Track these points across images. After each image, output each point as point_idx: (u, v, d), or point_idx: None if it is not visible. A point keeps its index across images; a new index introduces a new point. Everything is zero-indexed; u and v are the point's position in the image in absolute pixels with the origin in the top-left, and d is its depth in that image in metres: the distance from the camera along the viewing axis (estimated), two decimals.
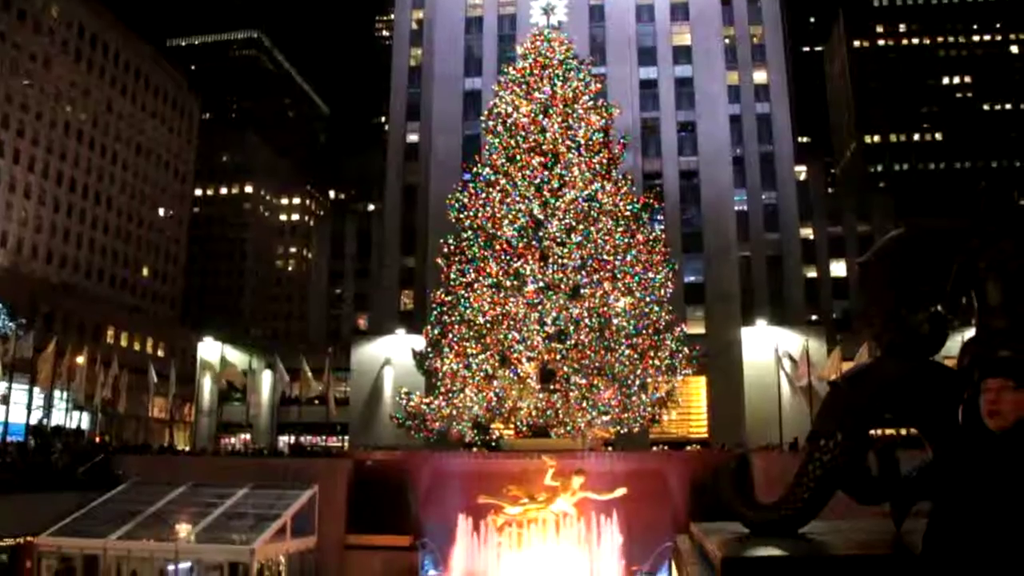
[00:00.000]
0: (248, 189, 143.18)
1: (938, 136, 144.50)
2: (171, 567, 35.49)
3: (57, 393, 56.85)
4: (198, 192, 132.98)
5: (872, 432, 4.49)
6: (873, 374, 4.50)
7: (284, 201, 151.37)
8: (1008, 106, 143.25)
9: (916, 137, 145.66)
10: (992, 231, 4.54)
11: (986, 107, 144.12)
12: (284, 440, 63.53)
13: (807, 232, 73.09)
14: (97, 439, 60.14)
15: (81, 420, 66.29)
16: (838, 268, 73.50)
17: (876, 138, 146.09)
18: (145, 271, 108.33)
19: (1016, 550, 3.07)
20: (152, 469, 43.73)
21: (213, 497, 39.69)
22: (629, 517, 35.73)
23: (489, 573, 34.37)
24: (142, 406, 58.38)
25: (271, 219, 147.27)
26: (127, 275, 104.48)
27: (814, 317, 69.07)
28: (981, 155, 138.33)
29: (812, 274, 72.93)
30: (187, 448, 61.86)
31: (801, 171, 76.88)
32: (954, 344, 4.53)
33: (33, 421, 55.39)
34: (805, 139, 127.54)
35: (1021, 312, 4.27)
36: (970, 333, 4.51)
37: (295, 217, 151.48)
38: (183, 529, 36.98)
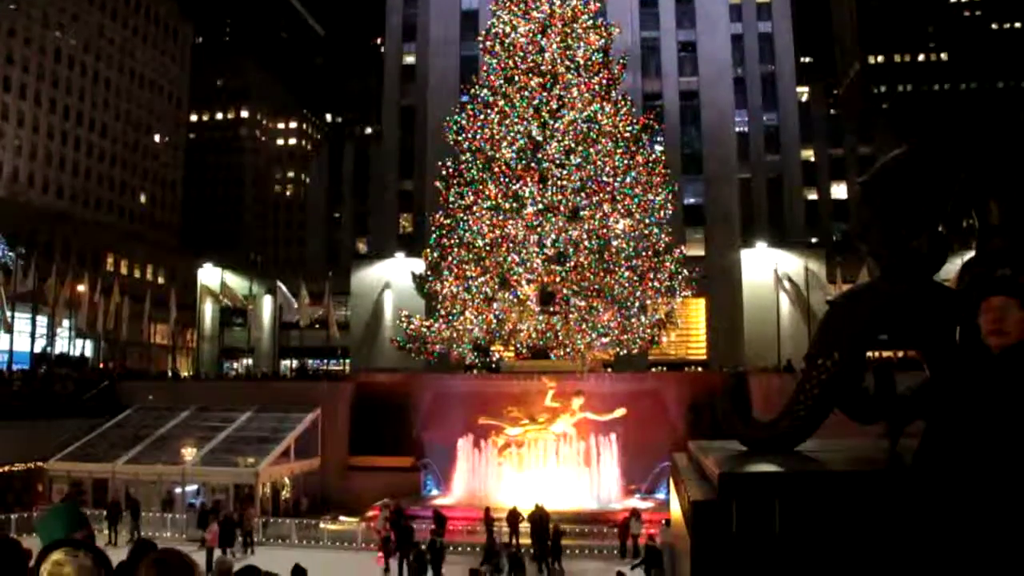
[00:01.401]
0: (244, 114, 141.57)
1: (943, 56, 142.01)
2: (178, 490, 36.15)
3: (60, 321, 57.06)
4: (193, 118, 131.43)
5: (869, 354, 4.51)
6: (872, 294, 4.50)
7: (281, 126, 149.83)
8: (1017, 25, 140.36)
9: (921, 57, 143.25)
10: (995, 151, 4.49)
11: (994, 26, 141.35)
12: (286, 364, 64.05)
13: (808, 154, 72.58)
14: (101, 366, 60.64)
15: (85, 348, 66.72)
16: (839, 190, 73.16)
17: (880, 58, 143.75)
18: (143, 198, 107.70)
19: (1010, 464, 3.10)
20: (157, 395, 44.22)
21: (217, 421, 40.24)
22: (628, 437, 36.25)
23: (490, 493, 34.99)
24: (144, 333, 58.64)
25: (268, 144, 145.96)
26: (125, 202, 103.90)
27: (814, 239, 68.98)
28: (987, 76, 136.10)
29: (813, 196, 72.64)
30: (190, 374, 62.36)
31: (803, 92, 76.08)
32: (954, 267, 4.51)
33: (37, 350, 55.74)
34: (807, 59, 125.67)
35: (1021, 232, 4.25)
36: (970, 255, 4.50)
37: (292, 142, 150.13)
38: (189, 453, 37.57)
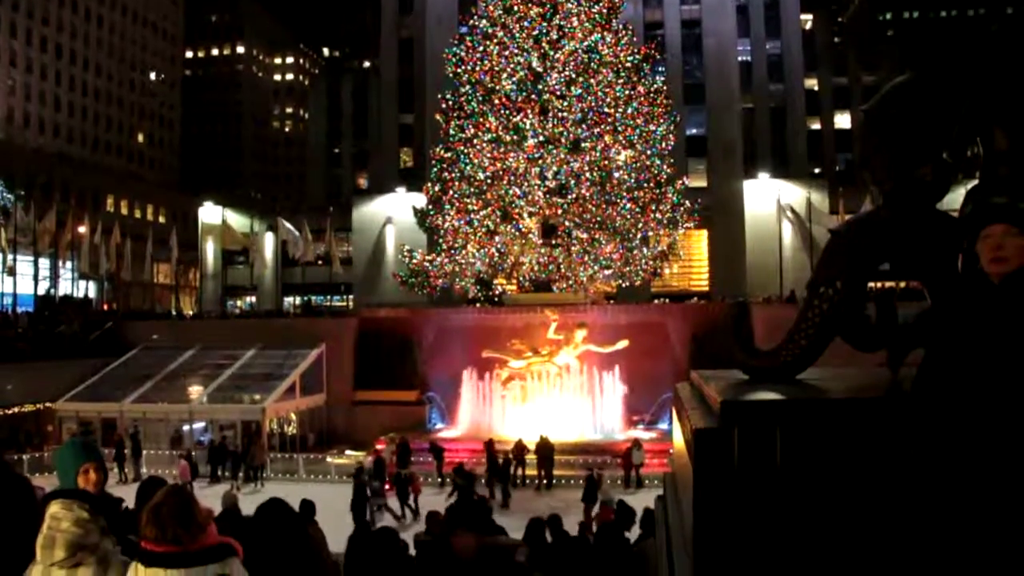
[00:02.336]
0: (240, 49, 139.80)
1: None
2: (186, 427, 36.58)
3: (62, 263, 57.18)
4: (188, 55, 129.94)
5: (872, 284, 4.51)
6: (874, 222, 4.48)
7: (277, 61, 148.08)
8: None
9: None
10: (1001, 77, 4.44)
11: None
12: (289, 301, 64.27)
13: (811, 83, 71.70)
14: (105, 307, 60.87)
15: (88, 289, 66.90)
16: (842, 120, 72.42)
17: None
18: (140, 137, 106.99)
19: (1009, 390, 3.12)
20: (161, 334, 44.46)
21: (222, 359, 40.51)
22: (631, 369, 36.50)
23: (494, 425, 35.38)
24: (147, 273, 58.76)
25: (265, 80, 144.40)
26: (123, 142, 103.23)
27: (817, 170, 68.55)
28: (995, 1, 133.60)
29: (816, 126, 71.95)
30: (193, 312, 62.64)
31: (807, 20, 74.76)
32: (958, 196, 4.49)
33: (41, 292, 55.89)
34: None
35: None
36: (975, 184, 4.47)
37: (289, 77, 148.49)
38: (195, 390, 37.91)
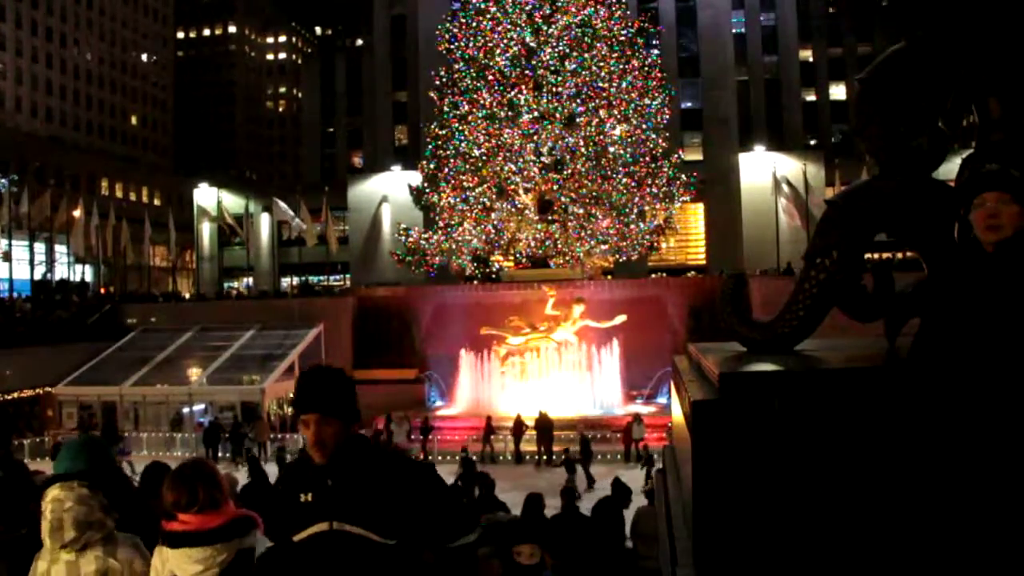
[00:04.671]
0: (232, 29, 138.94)
1: None
2: (186, 409, 36.64)
3: (58, 247, 57.02)
4: (180, 35, 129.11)
5: (869, 255, 4.51)
6: (870, 191, 4.48)
7: (269, 40, 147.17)
8: None
9: None
10: (996, 45, 4.42)
11: None
12: (286, 281, 64.23)
13: (806, 54, 71.43)
14: (102, 290, 60.79)
15: (84, 273, 66.79)
16: (838, 91, 72.17)
17: None
18: (134, 119, 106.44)
19: (1004, 357, 3.13)
20: (159, 317, 44.45)
21: (221, 340, 40.54)
22: (629, 344, 36.56)
23: (493, 402, 35.47)
24: (144, 255, 58.65)
25: (257, 59, 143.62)
26: (116, 124, 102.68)
27: (813, 141, 68.41)
28: None
29: (811, 98, 71.73)
30: (191, 294, 62.58)
31: None
32: (953, 166, 4.48)
33: (37, 277, 55.80)
34: None
35: (1019, 126, 4.22)
36: (970, 152, 4.46)
37: (282, 56, 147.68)
38: (195, 372, 37.97)
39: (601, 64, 43.29)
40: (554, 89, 42.84)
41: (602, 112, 42.96)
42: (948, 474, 3.08)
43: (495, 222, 43.18)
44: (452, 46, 45.08)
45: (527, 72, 43.27)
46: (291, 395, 38.76)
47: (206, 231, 66.12)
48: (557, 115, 42.81)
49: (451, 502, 3.69)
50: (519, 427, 30.46)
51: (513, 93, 42.98)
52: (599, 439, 30.37)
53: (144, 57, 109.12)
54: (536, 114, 42.79)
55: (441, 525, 3.52)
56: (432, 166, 44.91)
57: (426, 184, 45.54)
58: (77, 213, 53.30)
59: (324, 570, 3.35)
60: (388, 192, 58.84)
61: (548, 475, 27.07)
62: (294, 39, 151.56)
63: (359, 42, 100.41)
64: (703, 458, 3.28)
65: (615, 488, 11.87)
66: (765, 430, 3.19)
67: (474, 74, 44.05)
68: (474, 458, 22.76)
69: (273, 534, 3.65)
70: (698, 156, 57.37)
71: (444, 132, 44.39)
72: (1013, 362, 3.11)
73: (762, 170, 56.02)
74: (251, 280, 66.03)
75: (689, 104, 60.23)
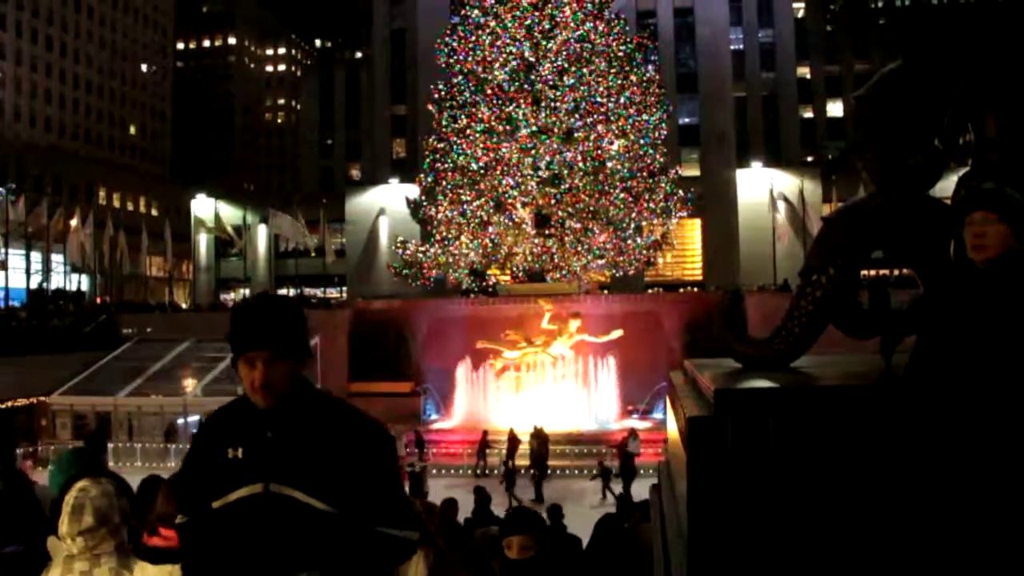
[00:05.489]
0: (231, 40, 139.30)
1: None
2: (180, 420, 36.49)
3: (55, 256, 56.95)
4: (180, 46, 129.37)
5: (865, 272, 4.52)
6: (866, 209, 4.50)
7: (269, 52, 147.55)
8: None
9: None
10: (992, 63, 4.45)
11: None
12: (283, 293, 64.16)
13: (804, 71, 71.66)
14: (98, 300, 60.71)
15: (80, 282, 66.71)
16: (835, 108, 72.41)
17: None
18: (132, 129, 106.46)
19: (991, 376, 3.14)
20: (154, 327, 44.36)
21: (216, 351, 40.38)
22: (625, 359, 36.51)
23: (489, 416, 35.38)
24: (140, 265, 58.59)
25: (256, 71, 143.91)
26: (114, 134, 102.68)
27: (810, 158, 68.59)
28: None
29: (808, 114, 71.94)
30: (187, 305, 62.48)
31: (799, 8, 74.64)
32: (950, 184, 4.50)
33: (33, 286, 55.71)
34: None
35: (1017, 145, 4.24)
36: (966, 170, 4.49)
37: (281, 68, 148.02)
38: (190, 383, 37.85)
39: (599, 79, 43.42)
40: (552, 104, 42.95)
41: (600, 127, 43.05)
42: (944, 491, 3.08)
43: (492, 236, 43.20)
44: (451, 60, 45.20)
45: (526, 86, 43.39)
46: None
47: (203, 241, 66.09)
48: (555, 129, 42.90)
49: (398, 480, 3.08)
50: (513, 441, 30.36)
51: (511, 107, 43.07)
52: (593, 454, 30.28)
53: (143, 67, 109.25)
54: (534, 128, 42.88)
55: (380, 501, 2.89)
56: (430, 179, 44.97)
57: (424, 197, 45.59)
58: (74, 222, 53.29)
59: (252, 542, 2.78)
60: (386, 205, 58.88)
61: (544, 490, 27.00)
62: (293, 51, 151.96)
63: (358, 55, 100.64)
64: (698, 474, 3.28)
65: (619, 504, 11.82)
66: (760, 447, 3.19)
67: (473, 88, 44.17)
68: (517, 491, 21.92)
69: (186, 503, 3.02)
70: (695, 172, 57.50)
71: (442, 145, 44.47)
72: (1002, 381, 3.12)
73: (759, 186, 56.13)
74: (248, 291, 65.94)
75: (687, 120, 60.41)
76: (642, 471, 27.71)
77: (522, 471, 29.68)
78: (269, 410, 2.85)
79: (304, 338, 2.97)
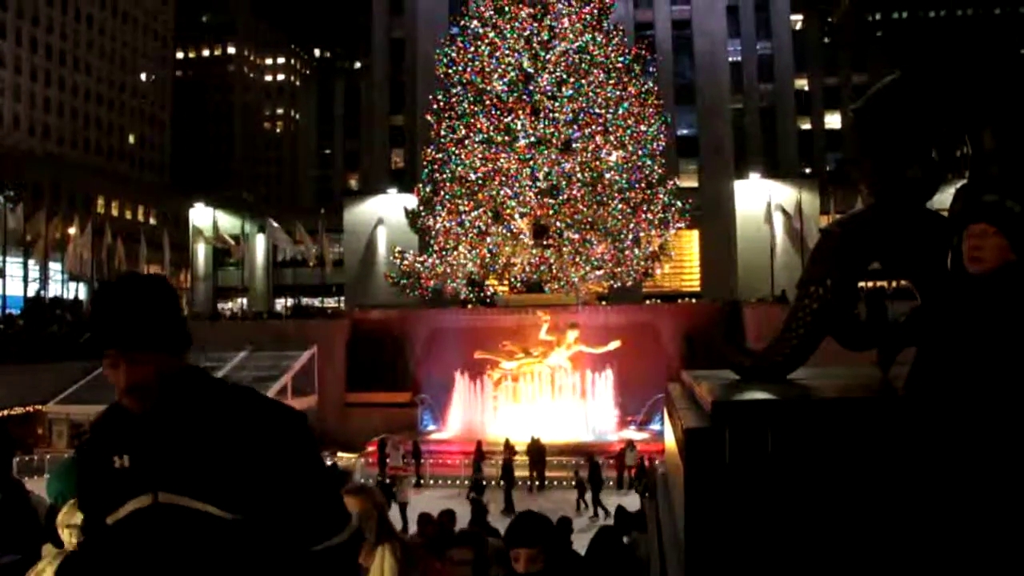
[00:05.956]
0: (231, 50, 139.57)
1: None
2: None
3: (53, 264, 56.89)
4: (180, 55, 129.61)
5: (862, 284, 4.52)
6: (864, 221, 4.49)
7: (268, 61, 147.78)
8: None
9: None
10: (989, 76, 4.45)
11: None
12: (281, 303, 64.14)
13: (802, 83, 71.93)
14: None
15: (78, 290, 66.65)
16: (833, 120, 72.67)
17: None
18: (131, 138, 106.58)
19: (991, 387, 3.14)
20: None
21: (213, 361, 40.27)
22: (623, 370, 36.50)
23: (486, 426, 35.34)
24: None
25: (256, 80, 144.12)
26: (113, 143, 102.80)
27: (808, 170, 68.72)
28: (983, 1, 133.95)
29: (806, 126, 72.16)
30: (185, 314, 62.36)
31: (797, 20, 74.96)
32: (947, 196, 4.50)
33: (30, 294, 55.64)
34: None
35: (1014, 158, 4.24)
36: (964, 183, 4.49)
37: (280, 77, 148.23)
38: None
39: (598, 90, 43.52)
40: (551, 114, 43.03)
41: (598, 138, 43.13)
42: (945, 503, 3.07)
43: (490, 246, 43.21)
44: (450, 70, 45.30)
45: (524, 97, 43.48)
46: None
47: (201, 251, 66.06)
48: (554, 140, 42.98)
49: (321, 478, 2.60)
50: (509, 452, 30.34)
51: (510, 118, 43.15)
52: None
53: (143, 77, 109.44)
54: (533, 139, 42.94)
55: (305, 509, 2.50)
56: (428, 189, 45.01)
57: (422, 207, 45.61)
58: (72, 230, 53.29)
59: (148, 561, 2.44)
60: (384, 215, 58.91)
61: (541, 501, 26.96)
62: (293, 61, 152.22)
63: (357, 65, 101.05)
64: (695, 486, 3.27)
65: (617, 516, 11.75)
66: (758, 459, 3.18)
67: (471, 98, 44.25)
68: (487, 502, 21.91)
69: (86, 514, 2.69)
70: (694, 183, 57.58)
71: (441, 156, 44.52)
72: (1002, 392, 3.11)
73: (757, 198, 56.22)
74: (245, 301, 65.93)
75: (685, 131, 60.53)
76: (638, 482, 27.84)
77: (520, 482, 29.68)
78: (146, 413, 2.48)
79: (176, 323, 2.52)
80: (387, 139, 68.12)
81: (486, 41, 44.38)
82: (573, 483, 26.94)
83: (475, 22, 45.19)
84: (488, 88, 43.86)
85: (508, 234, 43.05)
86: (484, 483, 27.53)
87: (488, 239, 43.20)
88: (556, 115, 43.00)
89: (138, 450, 2.48)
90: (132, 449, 2.48)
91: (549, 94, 43.26)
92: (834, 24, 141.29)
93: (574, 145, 43.08)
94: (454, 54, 45.33)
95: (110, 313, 2.42)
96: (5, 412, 35.67)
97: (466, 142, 43.60)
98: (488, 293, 45.30)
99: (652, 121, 44.73)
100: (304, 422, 2.57)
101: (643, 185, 43.84)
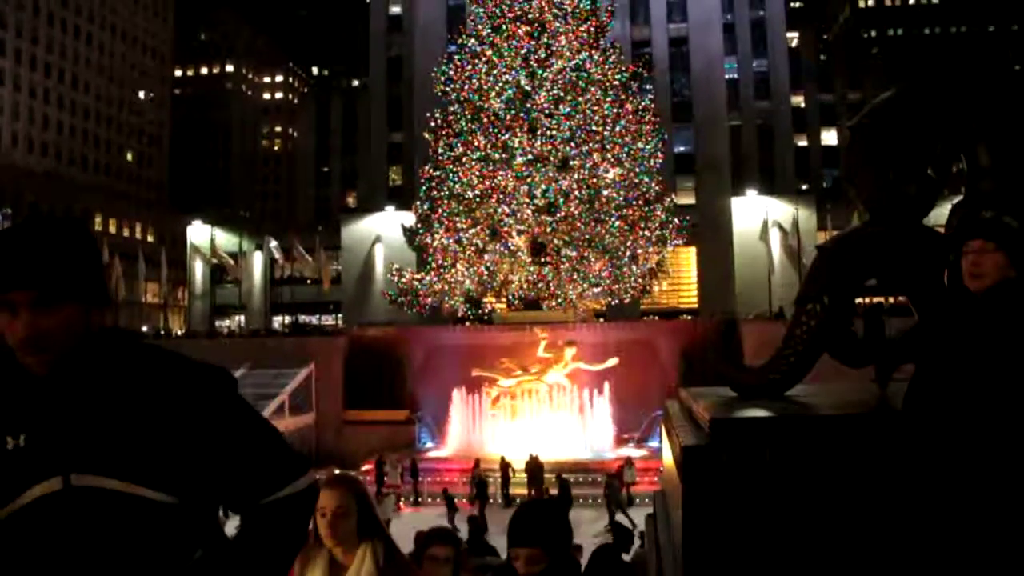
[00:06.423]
0: (229, 68, 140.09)
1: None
2: None
3: None
4: (177, 73, 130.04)
5: (859, 300, 4.53)
6: (860, 238, 4.50)
7: (266, 79, 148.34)
8: None
9: (911, 0, 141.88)
10: (984, 93, 4.48)
11: None
12: (278, 320, 64.09)
13: (798, 100, 72.18)
14: None
15: None
16: (829, 136, 72.90)
17: (870, 2, 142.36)
18: (129, 156, 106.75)
19: (988, 405, 3.13)
20: None
21: None
22: (621, 387, 36.45)
23: (484, 444, 35.26)
24: (135, 292, 58.50)
25: (254, 98, 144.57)
26: (111, 160, 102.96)
27: (804, 186, 68.90)
28: (977, 19, 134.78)
29: (803, 143, 72.38)
30: (182, 331, 62.35)
31: (793, 38, 75.35)
32: (943, 212, 4.51)
33: None
34: (797, 3, 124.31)
35: (1009, 174, 4.26)
36: (959, 199, 4.50)
37: (278, 95, 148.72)
38: None
39: (595, 108, 43.64)
40: (548, 132, 43.12)
41: (596, 155, 43.21)
42: (943, 520, 3.07)
43: (488, 264, 43.21)
44: (448, 88, 45.42)
45: (521, 115, 43.58)
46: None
47: (199, 268, 66.04)
48: (551, 158, 43.04)
49: (263, 430, 2.27)
50: (505, 470, 30.28)
51: (507, 135, 43.24)
52: (590, 482, 30.16)
53: (141, 94, 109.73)
54: (530, 157, 43.02)
55: (251, 467, 2.17)
56: (426, 207, 45.04)
57: (419, 225, 45.65)
58: None
59: (60, 560, 1.98)
60: (382, 232, 58.94)
61: None
62: (291, 79, 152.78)
63: (355, 82, 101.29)
64: (693, 504, 3.26)
65: (616, 533, 11.69)
66: (756, 476, 3.18)
67: (469, 116, 44.35)
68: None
69: None
70: (691, 200, 57.66)
71: (438, 173, 44.57)
72: (1001, 410, 3.11)
73: (754, 214, 56.35)
74: (243, 318, 65.87)
75: (682, 148, 60.68)
76: (637, 500, 27.76)
77: (517, 499, 29.53)
78: (48, 376, 2.04)
79: (97, 273, 2.13)
80: (385, 156, 68.22)
81: (484, 59, 44.53)
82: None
83: (473, 40, 45.36)
84: (486, 106, 43.97)
85: (506, 251, 43.07)
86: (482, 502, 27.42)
87: (486, 256, 43.21)
88: (553, 132, 43.10)
89: (40, 422, 2.01)
90: (31, 422, 2.02)
91: (546, 112, 43.37)
92: (830, 41, 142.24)
93: (571, 162, 43.15)
94: (452, 72, 45.47)
95: (18, 250, 1.99)
96: None
97: (464, 159, 43.67)
98: (486, 310, 45.26)
99: (649, 138, 44.83)
100: (228, 382, 2.22)
101: (640, 202, 43.90)
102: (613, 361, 36.36)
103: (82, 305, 2.05)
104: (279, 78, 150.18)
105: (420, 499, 30.55)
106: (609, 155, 43.50)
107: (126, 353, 2.14)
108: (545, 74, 43.76)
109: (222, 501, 2.22)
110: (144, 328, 60.52)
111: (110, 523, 1.97)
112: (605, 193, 43.25)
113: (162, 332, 55.44)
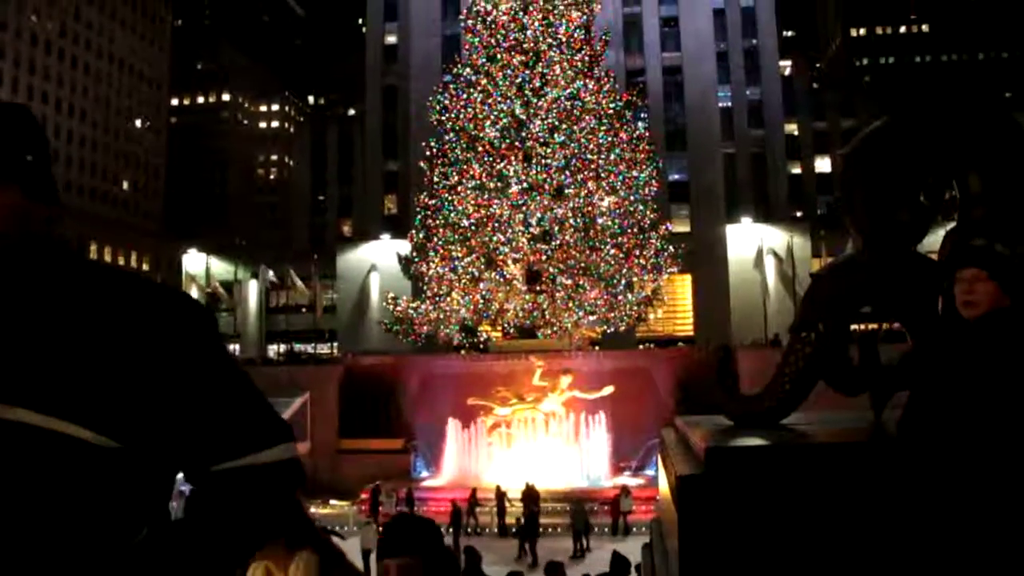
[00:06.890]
0: (225, 97, 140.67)
1: (925, 28, 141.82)
2: None
3: None
4: (174, 102, 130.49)
5: (855, 327, 4.52)
6: (854, 265, 4.51)
7: (263, 108, 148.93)
8: None
9: (903, 29, 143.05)
10: (976, 121, 4.51)
11: None
12: (273, 349, 63.95)
13: (791, 128, 72.60)
14: None
15: None
16: (823, 164, 73.24)
17: (862, 31, 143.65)
18: (125, 184, 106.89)
19: (982, 433, 3.13)
20: None
21: None
22: (617, 415, 36.35)
23: (480, 473, 35.09)
24: None
25: (250, 127, 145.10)
26: (107, 189, 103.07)
27: (799, 214, 69.16)
28: (969, 47, 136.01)
29: (796, 170, 72.71)
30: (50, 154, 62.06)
31: (786, 66, 75.91)
32: (936, 239, 4.52)
33: None
34: (790, 33, 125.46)
35: (1001, 201, 4.27)
36: (952, 226, 4.52)
37: (275, 124, 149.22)
38: None
39: (590, 136, 43.85)
40: (543, 160, 43.29)
41: (591, 183, 43.37)
42: (940, 547, 3.05)
43: (483, 292, 43.22)
44: (443, 117, 45.61)
45: (516, 144, 43.78)
46: None
47: (194, 296, 65.94)
48: (546, 186, 43.19)
49: (232, 380, 1.86)
50: (501, 499, 30.11)
51: (502, 164, 43.41)
52: (586, 511, 29.96)
53: (138, 123, 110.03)
54: (525, 185, 43.16)
55: (204, 421, 1.71)
56: (421, 236, 45.11)
57: (415, 253, 45.70)
58: None
59: None
60: (377, 261, 59.00)
61: (537, 549, 26.66)
62: (287, 107, 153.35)
63: (351, 111, 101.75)
64: (689, 532, 3.24)
65: (614, 562, 11.63)
66: (751, 505, 3.16)
67: (464, 145, 44.53)
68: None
69: None
70: (686, 228, 57.84)
71: (434, 202, 44.68)
72: (995, 437, 3.11)
73: (749, 242, 56.54)
74: (238, 347, 65.71)
75: (676, 176, 60.95)
76: (634, 528, 27.64)
77: (513, 529, 29.37)
78: None
79: (43, 160, 1.79)
80: (380, 185, 68.40)
81: (479, 88, 44.78)
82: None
83: (468, 69, 45.66)
84: (481, 135, 44.16)
85: (501, 280, 43.09)
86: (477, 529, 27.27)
87: (481, 285, 43.23)
88: (548, 161, 43.27)
89: None
90: None
91: (541, 140, 43.56)
92: (822, 69, 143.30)
93: (566, 191, 43.30)
94: (447, 101, 45.69)
95: None
96: None
97: (459, 188, 43.80)
98: (481, 339, 45.21)
99: (644, 166, 45.02)
100: (203, 315, 1.78)
101: (635, 230, 44.01)
102: (609, 389, 36.29)
103: (24, 192, 1.68)
104: (275, 107, 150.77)
105: None
106: (604, 183, 43.67)
107: (71, 264, 1.69)
108: (540, 103, 44.01)
109: (177, 463, 1.71)
110: None
111: (24, 467, 1.50)
112: (600, 221, 43.36)
113: None
